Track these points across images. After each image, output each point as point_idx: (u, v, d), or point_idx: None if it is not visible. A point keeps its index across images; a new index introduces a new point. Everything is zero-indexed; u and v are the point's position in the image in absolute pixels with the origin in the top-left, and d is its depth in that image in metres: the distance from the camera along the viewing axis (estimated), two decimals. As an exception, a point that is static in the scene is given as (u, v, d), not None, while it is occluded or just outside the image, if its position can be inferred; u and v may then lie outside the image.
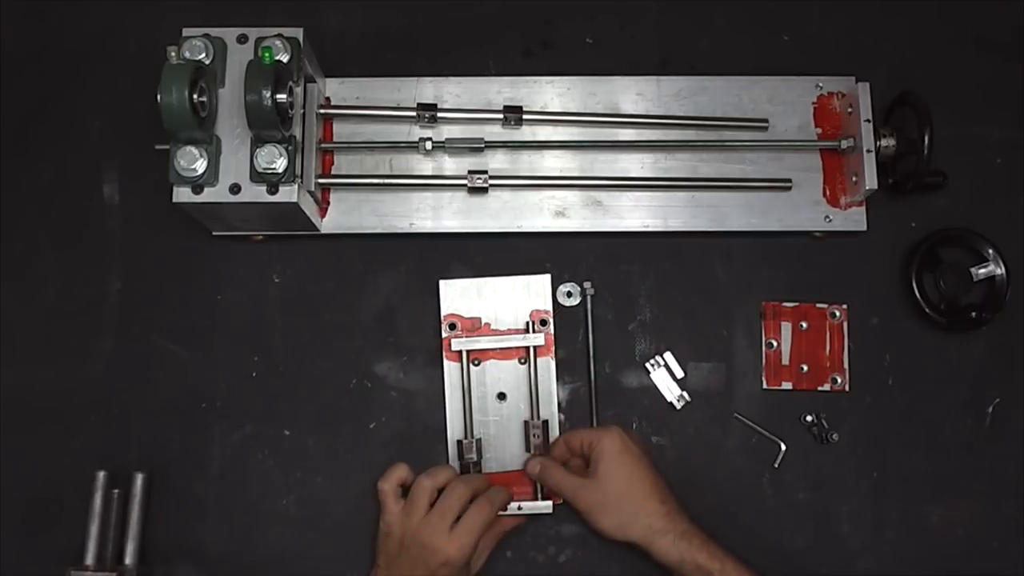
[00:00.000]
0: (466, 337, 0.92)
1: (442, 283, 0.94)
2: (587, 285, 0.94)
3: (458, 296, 0.93)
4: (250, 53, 0.85)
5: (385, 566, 0.84)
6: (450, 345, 0.92)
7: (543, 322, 0.93)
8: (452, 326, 0.93)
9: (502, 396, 0.92)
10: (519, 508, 0.89)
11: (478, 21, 1.01)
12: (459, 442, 0.90)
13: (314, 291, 0.95)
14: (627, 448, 0.84)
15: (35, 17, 1.01)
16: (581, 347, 0.94)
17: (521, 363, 0.92)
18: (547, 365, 0.93)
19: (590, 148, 0.96)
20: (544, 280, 0.94)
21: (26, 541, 0.90)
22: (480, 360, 0.93)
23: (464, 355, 0.91)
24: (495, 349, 0.92)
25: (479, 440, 0.91)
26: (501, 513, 0.87)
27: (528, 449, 0.90)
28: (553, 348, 0.93)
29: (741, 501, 0.85)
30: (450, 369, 0.92)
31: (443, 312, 0.93)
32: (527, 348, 0.92)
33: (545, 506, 0.89)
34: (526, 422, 0.91)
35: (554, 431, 0.91)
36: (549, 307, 0.94)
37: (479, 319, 0.93)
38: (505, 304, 0.93)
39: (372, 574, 0.86)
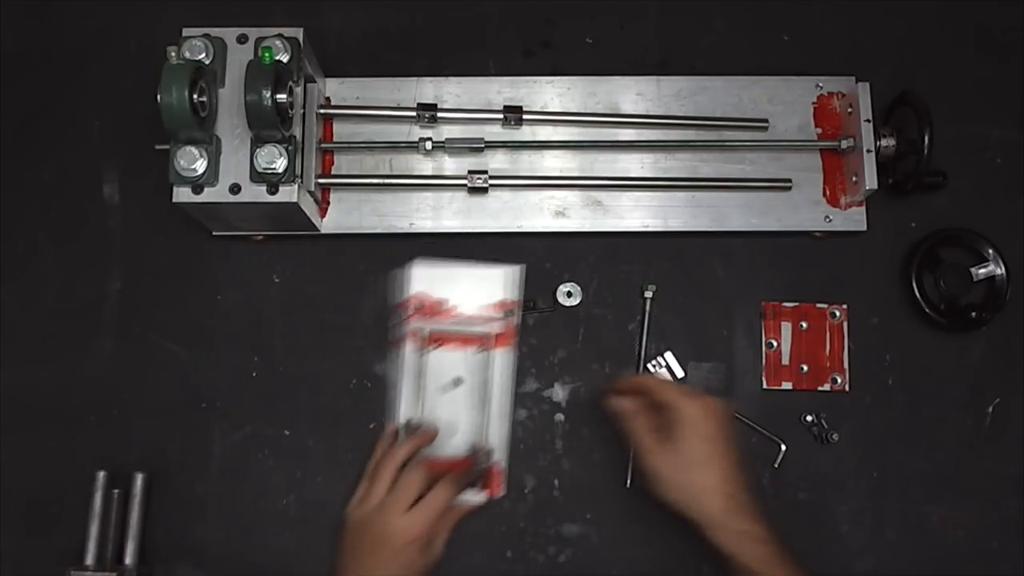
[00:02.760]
0: (424, 318, 0.92)
1: (415, 266, 0.93)
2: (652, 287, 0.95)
3: (428, 279, 0.93)
4: (250, 53, 0.85)
5: (351, 559, 0.84)
6: (409, 325, 0.92)
7: (508, 313, 0.93)
8: (415, 307, 0.93)
9: (457, 382, 0.92)
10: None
11: (478, 21, 1.01)
12: (408, 422, 0.91)
13: (314, 291, 0.95)
14: (711, 425, 0.81)
15: (35, 17, 1.01)
16: (581, 347, 0.94)
17: (478, 352, 0.92)
18: (506, 356, 0.92)
19: (590, 148, 0.96)
20: (514, 271, 0.93)
21: (26, 541, 0.90)
22: (439, 344, 0.92)
23: (422, 336, 0.92)
24: (455, 335, 0.92)
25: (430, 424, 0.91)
26: None
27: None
28: (515, 339, 0.93)
29: (741, 501, 0.85)
30: (407, 350, 0.92)
31: (410, 292, 0.93)
32: (485, 336, 0.92)
33: (479, 500, 0.89)
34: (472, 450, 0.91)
35: (502, 435, 0.91)
36: (517, 299, 0.93)
37: (444, 302, 0.93)
38: (473, 293, 0.93)
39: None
